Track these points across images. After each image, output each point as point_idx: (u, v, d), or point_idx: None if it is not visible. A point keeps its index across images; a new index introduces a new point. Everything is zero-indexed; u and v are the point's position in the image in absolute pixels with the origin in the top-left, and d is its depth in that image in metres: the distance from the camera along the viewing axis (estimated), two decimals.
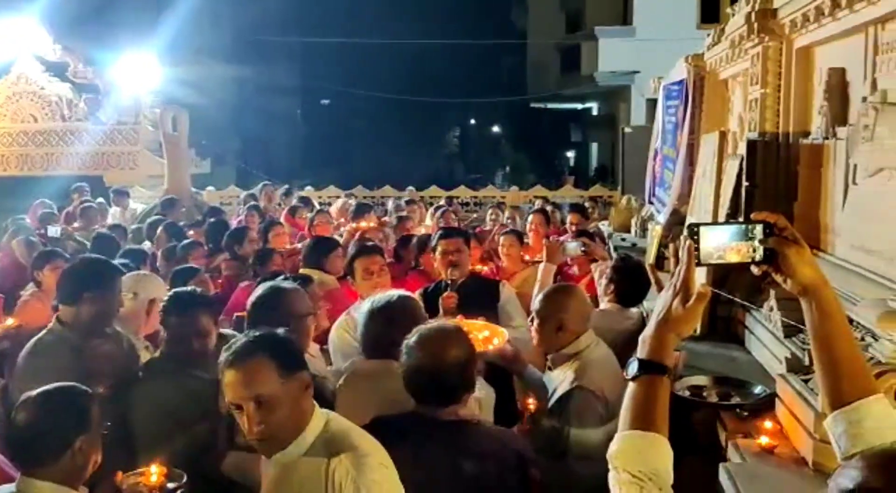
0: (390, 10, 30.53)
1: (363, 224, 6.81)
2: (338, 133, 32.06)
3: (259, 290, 3.30)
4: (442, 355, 2.53)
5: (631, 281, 4.16)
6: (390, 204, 10.85)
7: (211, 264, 5.86)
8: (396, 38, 25.88)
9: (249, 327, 3.18)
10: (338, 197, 12.00)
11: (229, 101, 24.55)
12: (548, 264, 4.70)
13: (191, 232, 7.22)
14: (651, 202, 7.87)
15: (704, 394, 2.97)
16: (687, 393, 2.95)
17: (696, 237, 1.57)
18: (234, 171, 21.92)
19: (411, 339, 2.60)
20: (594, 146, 27.86)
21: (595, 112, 27.63)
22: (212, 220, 7.87)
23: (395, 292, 3.23)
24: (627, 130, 12.28)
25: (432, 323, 2.75)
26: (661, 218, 6.57)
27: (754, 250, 1.56)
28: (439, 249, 4.58)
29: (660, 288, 1.65)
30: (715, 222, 1.68)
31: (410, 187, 13.99)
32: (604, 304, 4.24)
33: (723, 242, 1.57)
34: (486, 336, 3.49)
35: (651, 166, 8.07)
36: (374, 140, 32.14)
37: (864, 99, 3.14)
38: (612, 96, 22.37)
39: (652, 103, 9.76)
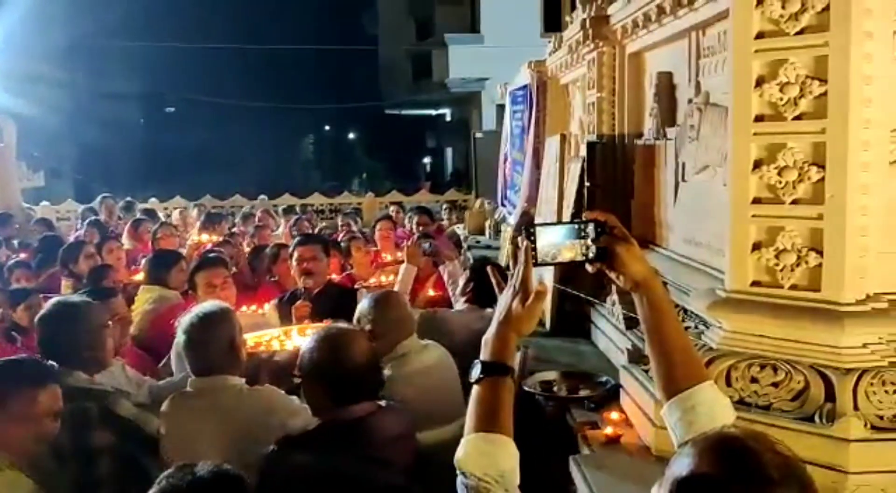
0: (239, 15, 29.71)
1: (214, 236, 6.58)
2: (184, 142, 30.71)
3: (47, 306, 3.12)
4: (350, 354, 2.54)
5: (489, 282, 4.21)
6: (242, 212, 10.53)
7: (37, 282, 5.45)
8: (246, 43, 25.22)
9: (40, 345, 2.98)
10: (185, 208, 11.51)
11: (65, 109, 22.99)
12: (409, 266, 4.70)
13: (23, 254, 6.72)
14: (503, 205, 8.06)
15: (554, 389, 3.04)
16: (538, 389, 3.01)
17: (532, 238, 1.59)
18: (71, 184, 20.56)
19: (314, 343, 2.60)
20: (449, 151, 28.27)
21: (449, 118, 28.04)
22: (42, 235, 7.36)
23: (215, 303, 3.09)
24: (478, 135, 12.53)
25: (332, 326, 2.73)
26: (513, 220, 6.72)
27: (587, 249, 1.60)
28: (295, 256, 4.50)
29: (500, 290, 1.65)
30: (550, 223, 1.71)
31: (262, 196, 13.67)
32: (460, 304, 4.27)
33: (558, 242, 1.60)
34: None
35: (502, 170, 8.26)
36: (223, 149, 31.06)
37: (690, 101, 3.32)
38: (465, 102, 22.77)
39: (501, 109, 10.01)
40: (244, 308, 4.44)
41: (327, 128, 39.24)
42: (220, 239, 6.82)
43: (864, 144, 2.19)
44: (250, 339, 3.37)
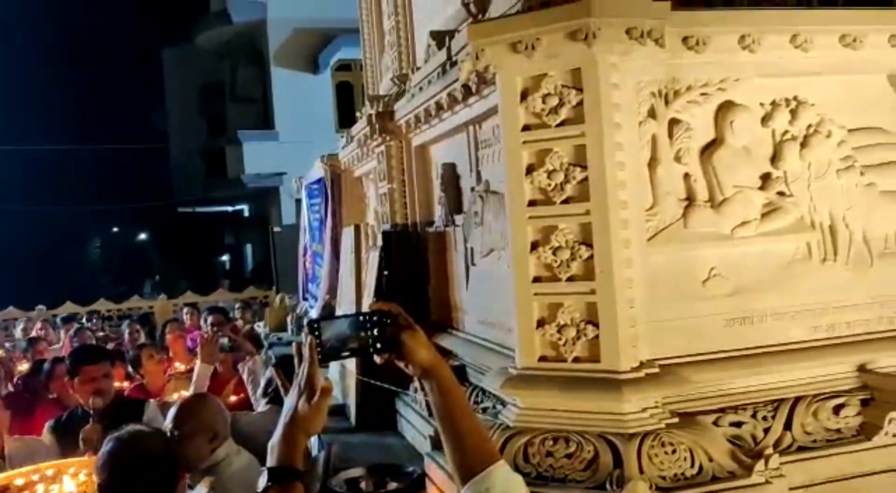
0: (17, 114, 27.72)
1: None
2: None
3: None
4: (149, 452, 2.57)
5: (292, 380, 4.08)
6: (19, 328, 9.58)
7: None
8: (25, 144, 23.54)
9: None
10: None
11: None
12: (203, 365, 4.45)
13: None
14: (304, 298, 7.94)
15: (361, 485, 2.96)
16: (343, 487, 2.91)
17: (317, 333, 1.56)
18: None
19: (107, 449, 2.59)
20: (248, 248, 27.65)
21: (247, 214, 27.55)
22: None
23: None
24: (277, 229, 12.37)
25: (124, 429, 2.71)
26: (315, 313, 6.63)
27: (374, 340, 1.59)
28: (81, 375, 4.13)
29: (286, 390, 1.61)
30: (333, 317, 1.70)
31: (40, 306, 12.53)
32: (261, 405, 4.10)
33: (343, 336, 1.59)
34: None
35: (302, 263, 8.19)
36: None
37: (473, 189, 3.49)
38: (263, 198, 22.53)
39: (300, 202, 10.00)
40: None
41: (116, 229, 37.11)
42: None
43: (624, 222, 2.41)
44: (17, 476, 3.02)
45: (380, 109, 4.58)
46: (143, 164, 29.26)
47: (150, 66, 27.91)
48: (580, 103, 2.42)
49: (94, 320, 11.14)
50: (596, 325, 2.39)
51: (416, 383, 3.51)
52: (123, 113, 30.78)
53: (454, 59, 3.29)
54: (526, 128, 2.52)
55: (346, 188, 6.56)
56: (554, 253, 2.46)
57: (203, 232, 30.07)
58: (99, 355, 4.45)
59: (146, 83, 29.23)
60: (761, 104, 2.68)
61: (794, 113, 2.69)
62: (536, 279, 2.49)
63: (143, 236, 36.72)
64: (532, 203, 2.51)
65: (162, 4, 28.17)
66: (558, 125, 2.47)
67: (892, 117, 2.79)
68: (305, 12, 18.60)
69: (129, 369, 5.58)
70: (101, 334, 9.43)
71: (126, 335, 7.92)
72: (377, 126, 4.51)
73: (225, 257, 31.46)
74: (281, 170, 18.58)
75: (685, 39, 2.51)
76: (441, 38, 3.75)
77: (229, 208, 28.29)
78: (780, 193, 2.68)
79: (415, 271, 4.32)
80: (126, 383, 5.35)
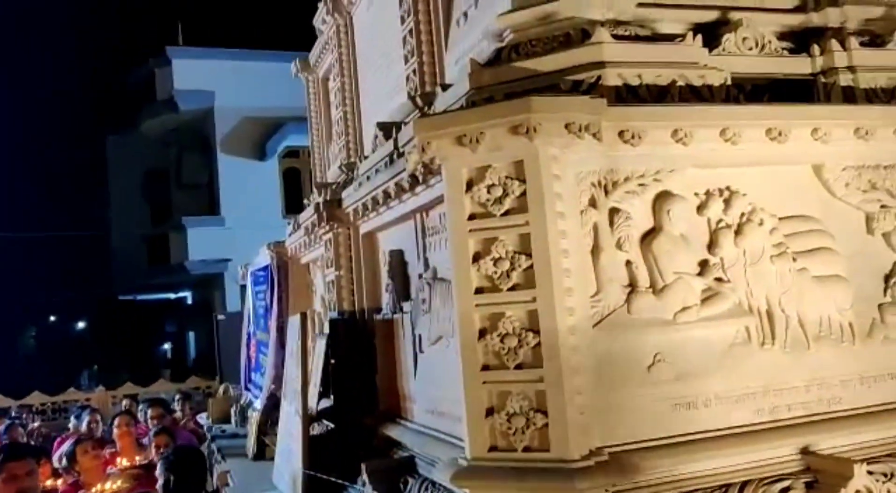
0: None
1: None
2: None
3: None
4: None
5: (184, 474, 3.95)
6: None
7: None
8: None
9: None
10: None
11: None
12: None
13: None
14: (247, 389, 7.73)
15: None
16: None
17: None
18: None
19: None
20: (192, 336, 26.98)
21: (190, 301, 27.00)
22: None
23: None
24: (221, 317, 12.14)
25: None
26: (259, 404, 6.45)
27: None
28: (4, 473, 3.94)
29: None
30: None
31: None
32: None
33: None
34: None
35: (245, 351, 8.01)
36: None
37: (420, 276, 3.51)
38: (207, 284, 22.16)
39: (245, 289, 9.86)
40: None
41: (52, 319, 35.87)
42: None
43: (570, 309, 2.44)
44: None
45: (327, 197, 4.62)
46: (84, 251, 28.63)
47: (93, 152, 27.67)
48: (523, 194, 2.49)
49: (25, 415, 10.68)
50: (545, 413, 2.39)
51: (365, 477, 3.42)
52: (65, 199, 30.24)
53: (401, 149, 3.37)
54: (472, 217, 2.57)
55: (292, 275, 6.52)
56: (502, 340, 2.47)
57: (144, 320, 29.27)
58: (22, 452, 4.30)
59: (89, 169, 28.88)
60: (696, 194, 2.80)
61: (727, 202, 2.81)
62: (485, 367, 2.49)
63: (81, 325, 35.54)
64: (479, 290, 2.53)
65: (107, 92, 28.18)
66: (503, 214, 2.53)
67: (819, 205, 2.94)
68: (253, 101, 18.85)
69: (62, 463, 5.31)
70: (34, 425, 9.04)
71: (83, 426, 7.55)
72: (325, 214, 4.54)
73: (167, 346, 30.58)
74: (226, 256, 18.39)
75: (621, 133, 2.62)
76: (388, 129, 3.85)
77: (172, 296, 27.71)
78: (718, 279, 2.76)
79: (362, 360, 4.28)
80: (55, 481, 5.06)
